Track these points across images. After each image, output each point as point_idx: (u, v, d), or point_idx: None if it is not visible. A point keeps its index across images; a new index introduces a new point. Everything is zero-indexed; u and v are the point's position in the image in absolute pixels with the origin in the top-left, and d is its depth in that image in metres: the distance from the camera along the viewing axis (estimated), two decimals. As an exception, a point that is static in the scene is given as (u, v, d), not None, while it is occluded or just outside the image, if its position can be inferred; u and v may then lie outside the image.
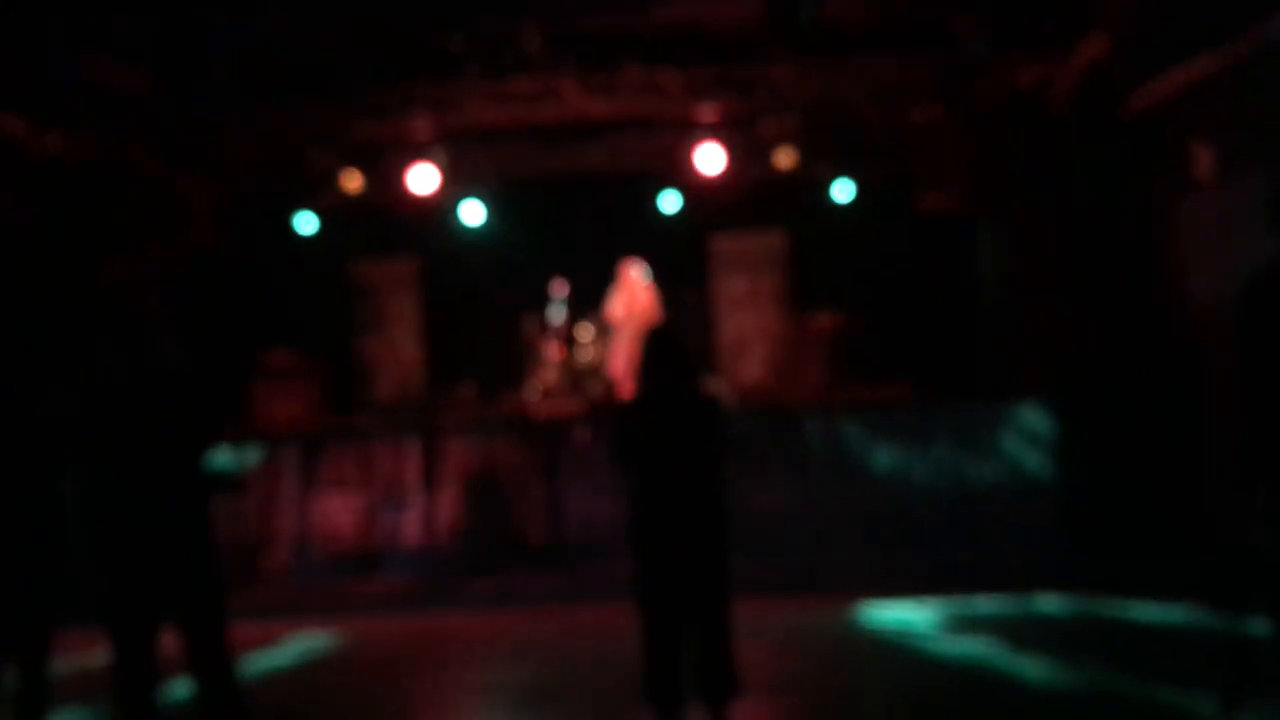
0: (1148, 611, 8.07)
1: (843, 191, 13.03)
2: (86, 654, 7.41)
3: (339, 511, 10.54)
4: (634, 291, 11.83)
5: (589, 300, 12.28)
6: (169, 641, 4.67)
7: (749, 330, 13.60)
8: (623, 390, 11.12)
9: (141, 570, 4.59)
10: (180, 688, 4.81)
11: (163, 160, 12.00)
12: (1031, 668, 6.55)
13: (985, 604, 8.78)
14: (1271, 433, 4.40)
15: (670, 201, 13.27)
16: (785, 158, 12.62)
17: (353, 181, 12.79)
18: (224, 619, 4.74)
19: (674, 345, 5.20)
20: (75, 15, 9.98)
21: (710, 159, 12.02)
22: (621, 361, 11.42)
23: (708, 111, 11.94)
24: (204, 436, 4.79)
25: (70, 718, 6.09)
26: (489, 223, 13.48)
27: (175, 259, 12.26)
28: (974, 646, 7.23)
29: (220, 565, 4.75)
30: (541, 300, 12.25)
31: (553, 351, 12.28)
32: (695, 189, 13.00)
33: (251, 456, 10.49)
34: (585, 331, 12.38)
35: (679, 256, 13.12)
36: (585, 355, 12.37)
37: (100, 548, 4.61)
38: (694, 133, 12.14)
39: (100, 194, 11.40)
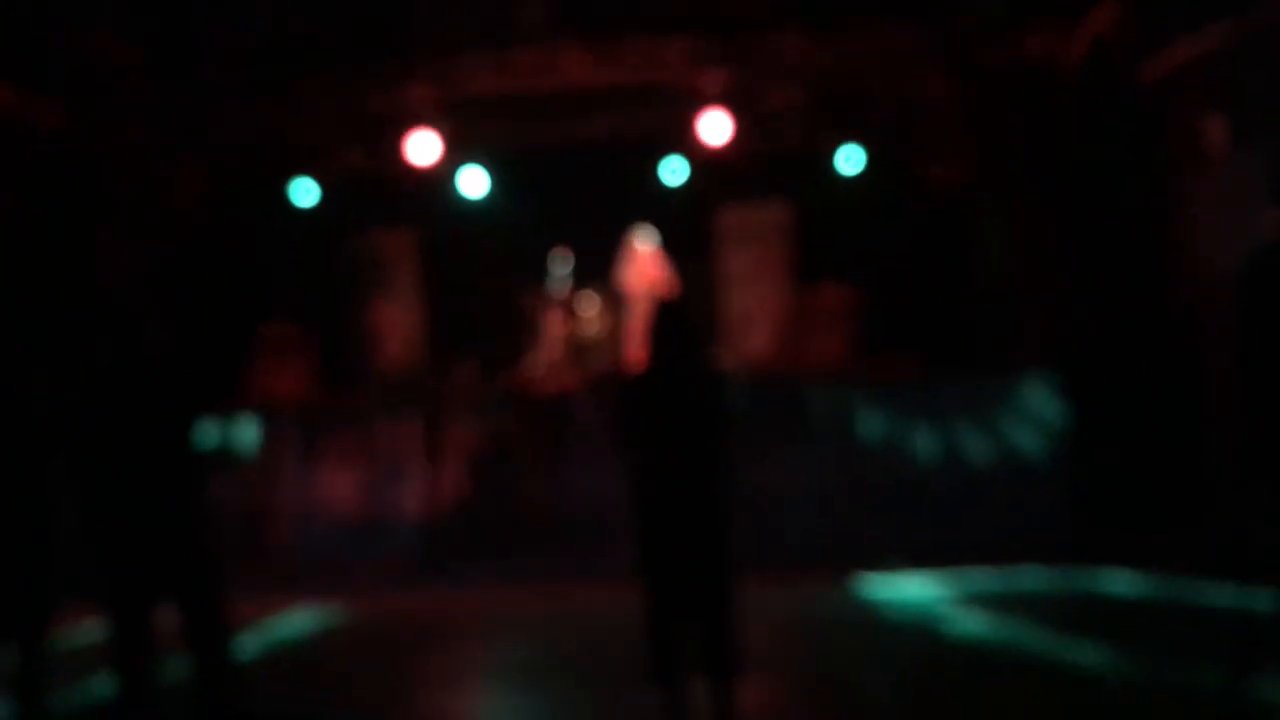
0: (1152, 586, 8.03)
1: (851, 161, 12.90)
2: (85, 630, 7.40)
3: (340, 486, 10.50)
4: (643, 261, 11.75)
5: (592, 272, 12.20)
6: (168, 617, 4.63)
7: (754, 303, 13.50)
8: (633, 363, 11.04)
9: (137, 549, 4.56)
10: (178, 664, 4.77)
11: (158, 134, 11.90)
12: (1036, 641, 6.52)
13: (988, 579, 8.75)
14: (1274, 417, 4.35)
15: (674, 171, 13.15)
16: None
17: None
18: (221, 596, 4.70)
19: (681, 319, 5.14)
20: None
21: (715, 128, 11.87)
22: (635, 334, 11.35)
23: (712, 82, 11.81)
24: (194, 417, 4.75)
25: (70, 695, 6.05)
26: (491, 194, 13.38)
27: (171, 233, 12.18)
28: (978, 621, 7.20)
29: (217, 543, 4.72)
30: (544, 273, 12.17)
31: (556, 325, 12.21)
32: (700, 160, 12.90)
33: (247, 432, 10.43)
34: (589, 304, 12.29)
35: (683, 228, 13.03)
36: (589, 328, 12.28)
37: (96, 528, 4.58)
38: (698, 103, 12.02)
39: (95, 169, 11.31)
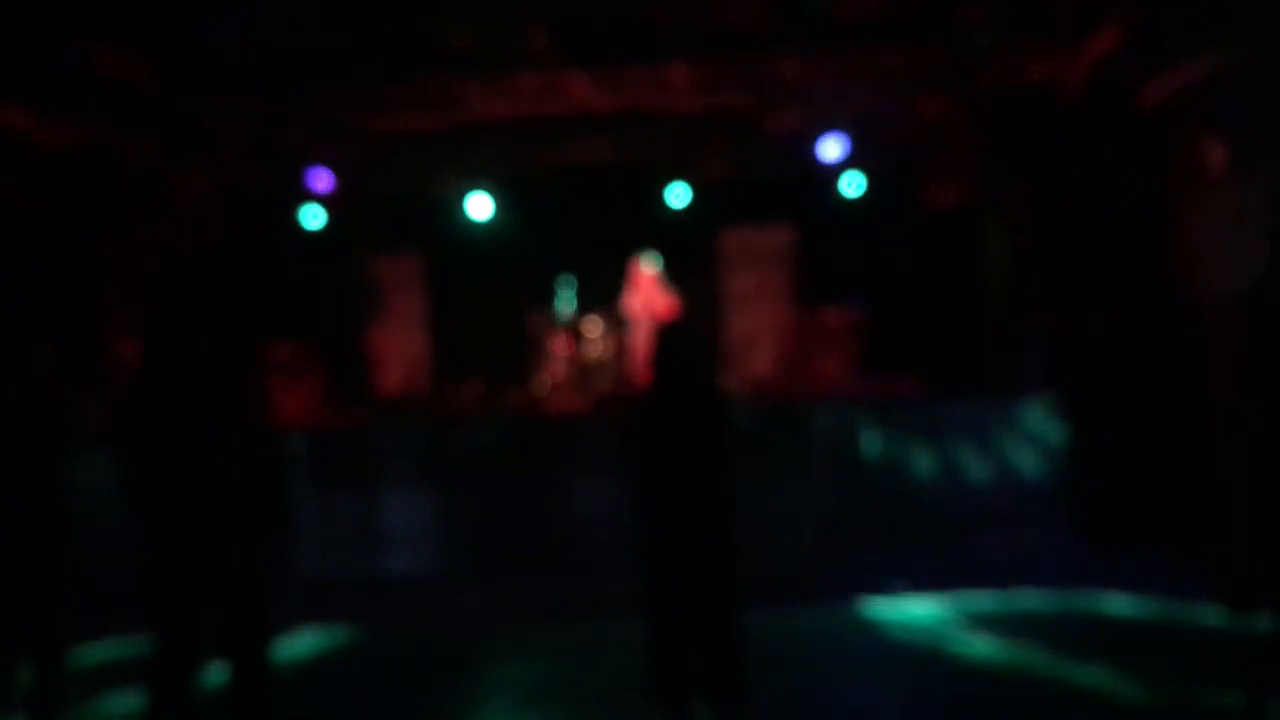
0: (1159, 608, 8.04)
1: (851, 185, 12.98)
2: (102, 647, 7.43)
3: (345, 506, 10.52)
4: (647, 286, 11.80)
5: (597, 295, 12.26)
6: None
7: (757, 325, 13.59)
8: (638, 385, 11.10)
9: (188, 560, 4.54)
10: (214, 673, 4.77)
11: (164, 152, 11.98)
12: (1042, 665, 6.53)
13: (993, 600, 8.75)
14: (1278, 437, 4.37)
15: (678, 196, 13.23)
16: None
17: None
18: (266, 604, 4.70)
19: (685, 341, 5.19)
20: (75, 4, 9.94)
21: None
22: (640, 356, 11.41)
23: (715, 106, 11.90)
24: (251, 424, 4.76)
25: (87, 712, 6.09)
26: (496, 218, 13.45)
27: (177, 252, 12.24)
28: (983, 644, 7.21)
29: (266, 552, 4.71)
30: (549, 296, 12.24)
31: (560, 347, 12.26)
32: (703, 184, 12.98)
33: None
34: (593, 326, 12.36)
35: (687, 252, 13.11)
36: (593, 350, 12.35)
37: (144, 536, 4.57)
38: (701, 128, 12.11)
39: (102, 186, 11.38)
